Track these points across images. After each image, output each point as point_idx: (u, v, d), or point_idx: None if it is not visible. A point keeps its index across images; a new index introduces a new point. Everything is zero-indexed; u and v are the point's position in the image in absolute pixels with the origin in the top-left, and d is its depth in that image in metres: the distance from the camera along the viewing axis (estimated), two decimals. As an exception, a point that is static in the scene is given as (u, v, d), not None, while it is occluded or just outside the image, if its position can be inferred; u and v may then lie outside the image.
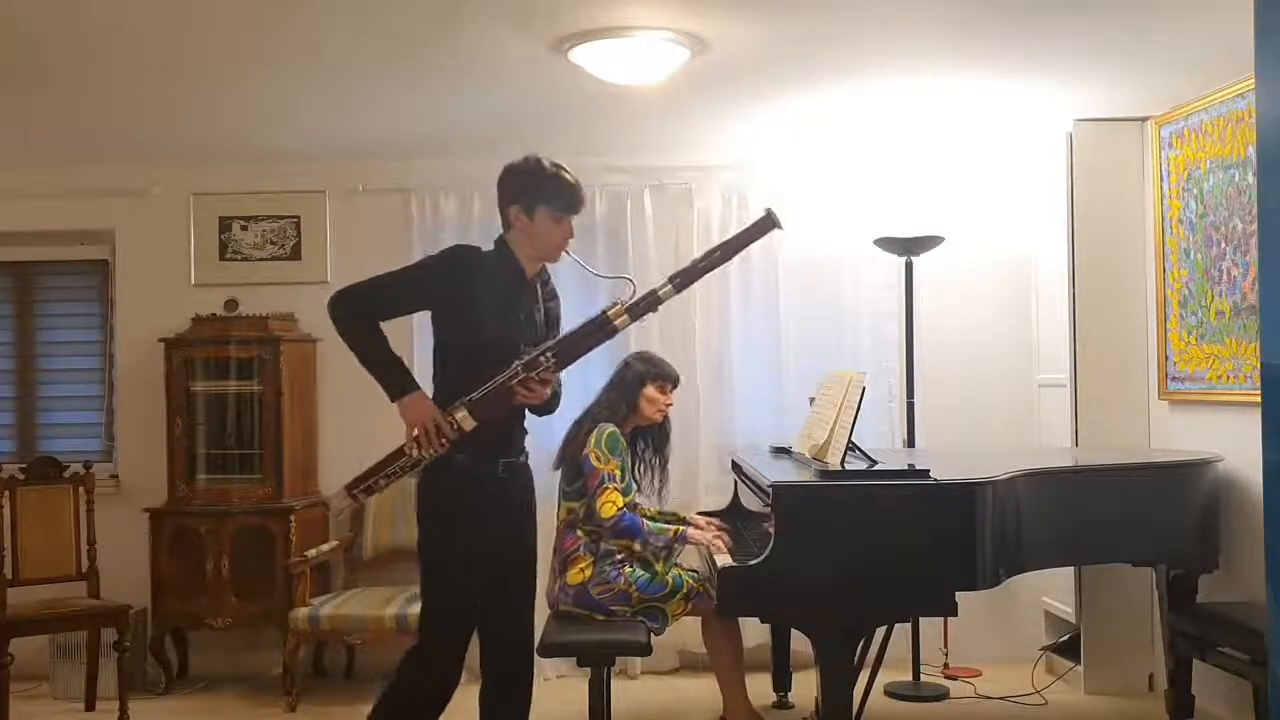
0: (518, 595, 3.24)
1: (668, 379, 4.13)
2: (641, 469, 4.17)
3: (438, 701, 3.11)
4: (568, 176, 3.12)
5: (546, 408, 3.24)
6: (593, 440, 3.89)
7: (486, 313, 3.06)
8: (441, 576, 3.12)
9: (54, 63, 3.73)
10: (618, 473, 3.86)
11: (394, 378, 3.03)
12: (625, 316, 3.04)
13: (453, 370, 3.09)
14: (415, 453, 2.99)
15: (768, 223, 3.15)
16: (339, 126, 4.66)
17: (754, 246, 5.09)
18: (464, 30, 3.45)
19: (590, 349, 3.10)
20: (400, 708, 3.13)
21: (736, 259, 3.27)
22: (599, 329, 3.05)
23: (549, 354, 3.00)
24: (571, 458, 3.95)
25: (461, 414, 2.97)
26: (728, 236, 3.28)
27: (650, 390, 4.06)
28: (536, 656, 3.30)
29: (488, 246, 3.18)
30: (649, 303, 3.06)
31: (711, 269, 3.15)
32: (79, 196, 5.26)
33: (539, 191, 3.09)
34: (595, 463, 3.85)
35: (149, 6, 3.22)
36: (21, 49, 3.58)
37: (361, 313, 3.04)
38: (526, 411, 3.20)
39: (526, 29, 3.43)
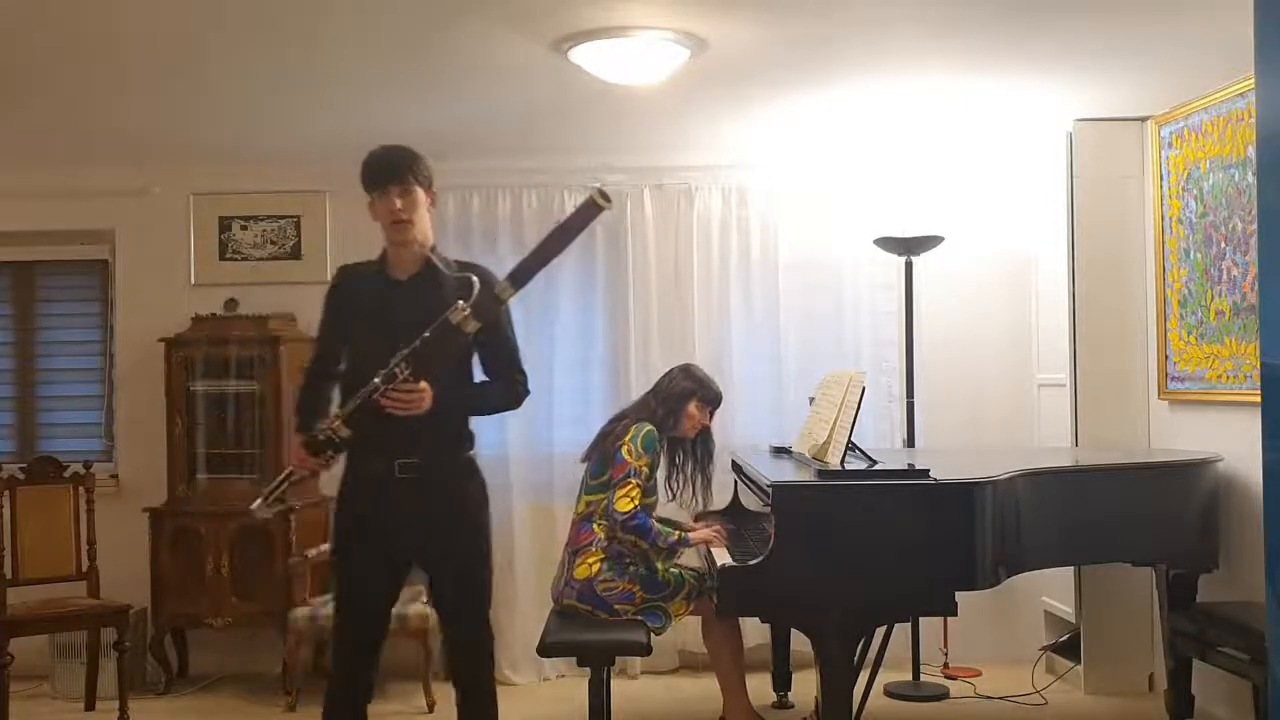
0: (450, 596, 3.19)
1: (712, 401, 4.13)
2: (681, 481, 4.17)
3: (353, 692, 3.16)
4: (373, 154, 3.07)
5: (494, 404, 3.21)
6: (630, 434, 3.89)
7: (357, 327, 3.10)
8: (337, 569, 3.22)
9: (54, 63, 3.73)
10: (645, 470, 3.86)
11: (299, 423, 3.18)
12: (471, 320, 2.91)
13: (345, 385, 3.10)
14: (297, 472, 3.09)
15: (594, 206, 2.91)
16: (339, 126, 4.65)
17: (753, 246, 5.21)
18: (464, 31, 3.45)
19: (451, 355, 2.96)
20: (328, 704, 3.21)
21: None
22: (448, 335, 2.92)
23: (403, 365, 2.90)
24: (603, 451, 3.96)
25: (338, 424, 2.98)
26: (557, 224, 3.00)
27: (693, 407, 4.06)
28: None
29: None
30: (490, 303, 2.94)
31: (546, 261, 2.96)
32: (79, 196, 5.25)
33: (363, 184, 3.10)
34: (626, 455, 3.85)
35: (149, 7, 3.22)
36: (22, 49, 3.58)
37: (307, 376, 3.24)
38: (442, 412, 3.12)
39: (526, 29, 3.43)
